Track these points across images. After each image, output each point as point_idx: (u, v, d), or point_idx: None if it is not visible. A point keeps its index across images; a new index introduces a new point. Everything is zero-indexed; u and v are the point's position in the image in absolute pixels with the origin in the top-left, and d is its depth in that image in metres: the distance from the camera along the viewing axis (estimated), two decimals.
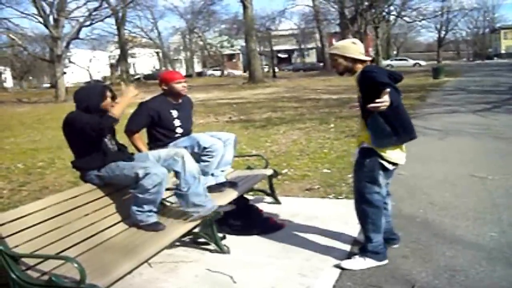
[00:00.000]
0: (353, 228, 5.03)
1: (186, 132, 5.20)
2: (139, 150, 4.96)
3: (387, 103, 3.53)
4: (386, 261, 4.16)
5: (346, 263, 4.15)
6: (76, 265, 3.06)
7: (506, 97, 18.02)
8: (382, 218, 4.16)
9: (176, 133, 5.12)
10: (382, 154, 3.97)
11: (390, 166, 4.06)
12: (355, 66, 4.04)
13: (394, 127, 3.89)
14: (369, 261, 4.13)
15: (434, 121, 12.69)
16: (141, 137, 5.15)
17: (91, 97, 4.25)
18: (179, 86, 5.07)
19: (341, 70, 4.13)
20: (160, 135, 5.11)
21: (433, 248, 4.44)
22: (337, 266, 4.17)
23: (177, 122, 5.12)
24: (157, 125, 5.07)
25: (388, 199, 4.41)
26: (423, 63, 67.78)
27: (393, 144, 3.97)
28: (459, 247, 4.42)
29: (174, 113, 5.12)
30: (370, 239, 4.15)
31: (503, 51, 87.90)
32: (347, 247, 4.61)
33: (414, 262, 4.19)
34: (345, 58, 4.04)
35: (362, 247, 4.24)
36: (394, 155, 4.02)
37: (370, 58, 4.13)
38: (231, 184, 5.28)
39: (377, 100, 3.55)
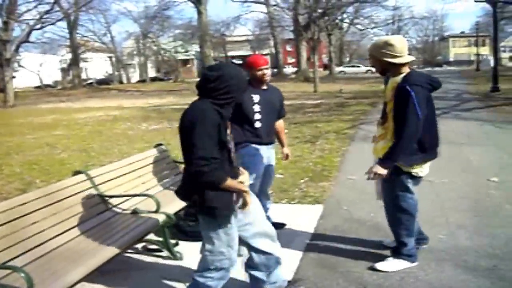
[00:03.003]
0: (306, 232, 5.09)
1: (266, 129, 4.72)
2: None
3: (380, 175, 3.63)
4: (417, 262, 4.20)
5: (380, 265, 4.17)
6: (23, 274, 2.98)
7: (454, 103, 18.53)
8: (414, 223, 4.19)
9: (254, 123, 4.63)
10: (409, 170, 3.95)
11: (420, 173, 4.04)
12: (395, 68, 3.90)
13: (422, 144, 3.86)
14: (402, 262, 4.18)
15: None
16: None
17: None
18: (260, 73, 4.61)
19: (380, 71, 4.07)
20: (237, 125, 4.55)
21: (384, 250, 4.52)
22: (371, 268, 4.18)
23: (256, 108, 4.63)
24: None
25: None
26: (375, 69, 68.74)
27: (420, 162, 3.95)
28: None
29: (256, 97, 4.64)
30: (405, 243, 4.17)
31: (451, 59, 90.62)
32: (300, 251, 4.65)
33: (365, 265, 4.26)
34: (382, 61, 3.92)
35: (396, 250, 4.25)
36: (420, 169, 4.01)
37: (410, 59, 3.90)
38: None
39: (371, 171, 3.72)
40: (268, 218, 5.17)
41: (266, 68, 4.60)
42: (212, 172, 2.96)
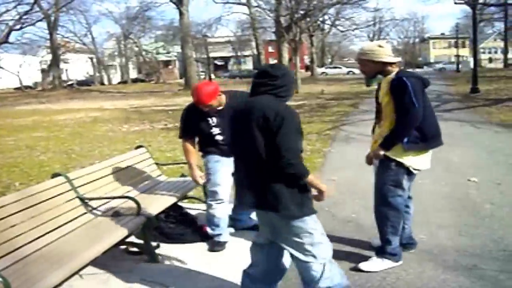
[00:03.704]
0: None
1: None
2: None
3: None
4: (401, 262, 4.22)
5: (364, 265, 4.18)
6: (0, 279, 2.93)
7: (435, 104, 18.66)
8: (401, 221, 4.20)
9: (218, 142, 4.77)
10: (404, 159, 4.01)
11: (415, 170, 4.09)
12: (386, 68, 4.06)
13: (423, 132, 3.98)
14: (387, 262, 4.19)
15: (367, 128, 12.92)
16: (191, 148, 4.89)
17: None
18: (205, 109, 4.63)
19: (372, 74, 4.16)
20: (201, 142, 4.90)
21: (366, 251, 4.53)
22: (355, 268, 4.18)
23: (216, 130, 4.76)
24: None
25: (410, 203, 4.44)
26: (356, 71, 68.95)
27: (420, 149, 4.03)
28: None
29: (213, 120, 4.74)
30: (389, 241, 4.18)
31: (432, 60, 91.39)
32: None
33: (348, 265, 4.26)
34: (375, 62, 4.06)
35: (380, 249, 4.26)
36: (418, 160, 4.06)
37: (399, 59, 4.12)
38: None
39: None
40: (251, 219, 5.21)
41: (210, 105, 4.54)
42: (301, 165, 3.01)
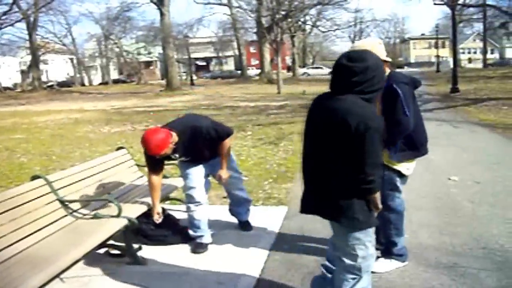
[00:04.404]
0: (271, 233, 5.10)
1: (200, 156, 4.84)
2: None
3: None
4: (407, 262, 4.24)
5: (374, 266, 4.16)
6: None
7: None
8: (403, 222, 4.21)
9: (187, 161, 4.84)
10: (396, 167, 4.00)
11: (407, 172, 4.09)
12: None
13: (412, 140, 3.94)
14: (394, 262, 4.20)
15: None
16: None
17: None
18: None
19: None
20: None
21: None
22: None
23: (182, 158, 4.80)
24: None
25: None
26: None
27: (407, 158, 4.01)
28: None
29: (175, 155, 4.74)
30: (395, 243, 4.19)
31: (412, 60, 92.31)
32: (265, 252, 4.66)
33: None
34: None
35: (386, 250, 4.26)
36: (407, 166, 4.07)
37: (390, 59, 3.99)
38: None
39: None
40: (246, 214, 5.45)
41: (164, 153, 4.48)
42: (379, 181, 2.79)
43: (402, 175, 4.09)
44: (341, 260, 3.07)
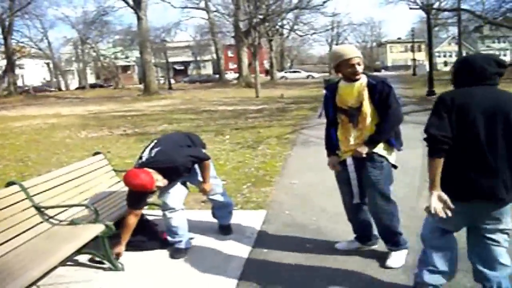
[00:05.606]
0: (250, 237, 5.10)
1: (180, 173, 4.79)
2: None
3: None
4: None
5: (392, 263, 4.25)
6: None
7: None
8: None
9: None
10: (390, 157, 4.18)
11: (394, 163, 4.27)
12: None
13: (397, 132, 4.23)
14: (404, 252, 4.36)
15: None
16: None
17: None
18: None
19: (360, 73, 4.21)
20: None
21: (326, 254, 4.56)
22: (384, 267, 4.23)
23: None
24: None
25: None
26: (316, 75, 70.09)
27: (398, 148, 4.25)
28: (352, 251, 4.59)
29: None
30: (400, 233, 4.35)
31: (389, 64, 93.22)
32: (244, 256, 4.66)
33: (309, 270, 4.28)
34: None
35: (396, 243, 4.35)
36: (395, 158, 4.27)
37: None
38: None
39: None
40: (228, 217, 5.44)
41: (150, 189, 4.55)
42: None
43: (395, 167, 4.28)
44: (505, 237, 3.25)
